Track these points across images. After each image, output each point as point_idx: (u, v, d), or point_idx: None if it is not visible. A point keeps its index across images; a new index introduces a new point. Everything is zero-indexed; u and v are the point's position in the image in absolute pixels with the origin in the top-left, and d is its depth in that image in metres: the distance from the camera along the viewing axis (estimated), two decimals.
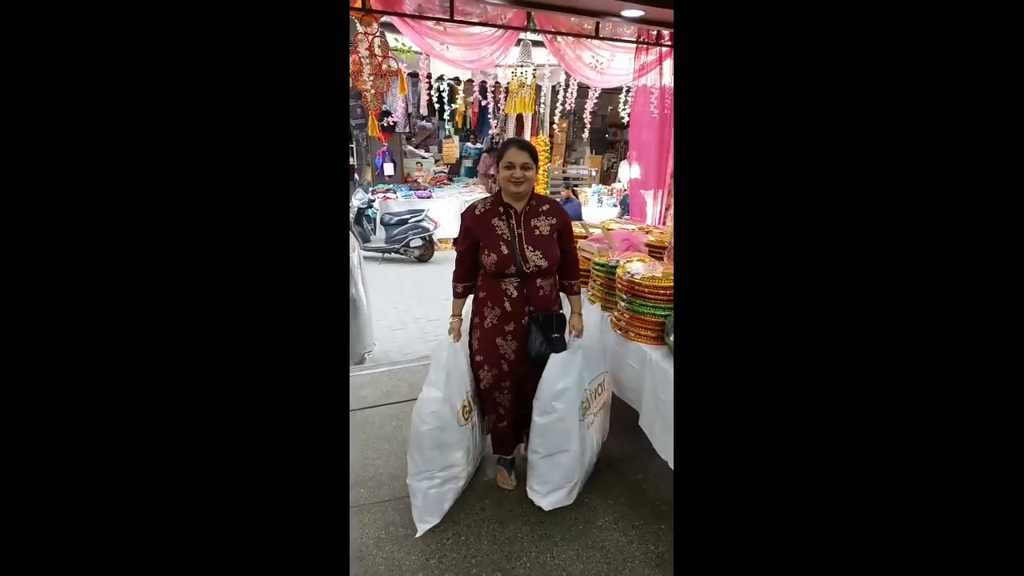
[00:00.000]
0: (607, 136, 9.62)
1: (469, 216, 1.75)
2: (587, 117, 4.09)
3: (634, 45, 3.59)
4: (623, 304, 2.00)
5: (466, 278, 1.83)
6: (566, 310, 1.92)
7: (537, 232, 1.71)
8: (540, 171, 7.08)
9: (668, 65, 3.80)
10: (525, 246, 1.69)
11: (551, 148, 7.31)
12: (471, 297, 1.87)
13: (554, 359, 1.74)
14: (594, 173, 8.04)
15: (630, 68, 3.66)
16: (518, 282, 1.72)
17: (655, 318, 1.91)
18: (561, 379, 1.75)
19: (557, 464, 1.82)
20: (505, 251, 1.67)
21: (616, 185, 7.01)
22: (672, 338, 1.83)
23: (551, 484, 1.85)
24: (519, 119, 6.49)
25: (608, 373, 2.02)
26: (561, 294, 1.92)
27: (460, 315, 1.86)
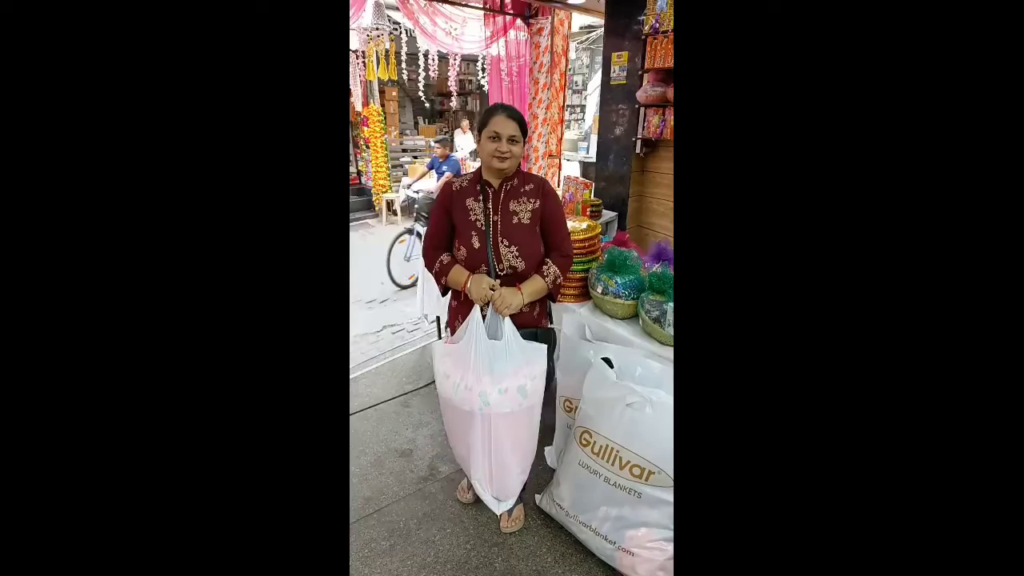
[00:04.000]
0: (434, 106, 9.55)
1: (446, 191, 1.45)
2: (452, 85, 4.04)
3: (482, 12, 3.66)
4: None
5: (441, 250, 1.45)
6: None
7: (515, 219, 1.38)
8: (379, 144, 6.78)
9: (512, 35, 3.98)
10: (499, 239, 1.36)
11: (384, 119, 6.98)
12: (446, 306, 1.56)
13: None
14: (434, 144, 7.96)
15: (482, 35, 3.73)
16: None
17: (579, 274, 1.99)
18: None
19: None
20: (476, 244, 1.36)
21: (456, 154, 7.07)
22: (599, 290, 1.96)
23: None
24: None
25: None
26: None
27: (469, 273, 1.38)
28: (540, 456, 2.12)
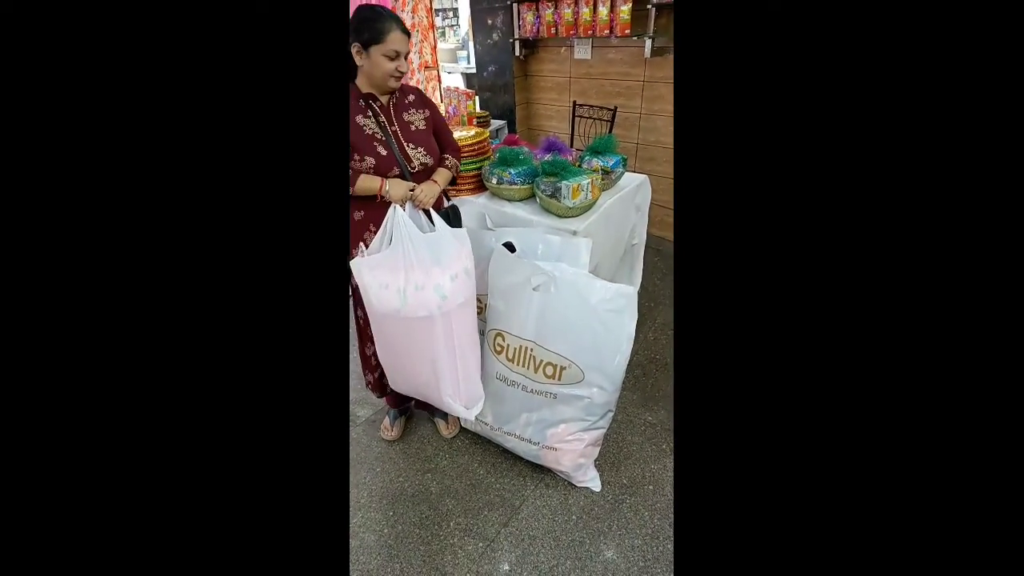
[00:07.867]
0: None
1: None
2: None
3: None
4: None
5: None
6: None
7: (413, 127, 1.46)
8: None
9: None
10: (404, 144, 1.42)
11: None
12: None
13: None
14: None
15: None
16: None
17: (472, 172, 1.96)
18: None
19: None
20: (383, 152, 1.36)
21: None
22: (493, 181, 1.89)
23: None
24: None
25: None
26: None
27: (382, 179, 1.37)
28: None
